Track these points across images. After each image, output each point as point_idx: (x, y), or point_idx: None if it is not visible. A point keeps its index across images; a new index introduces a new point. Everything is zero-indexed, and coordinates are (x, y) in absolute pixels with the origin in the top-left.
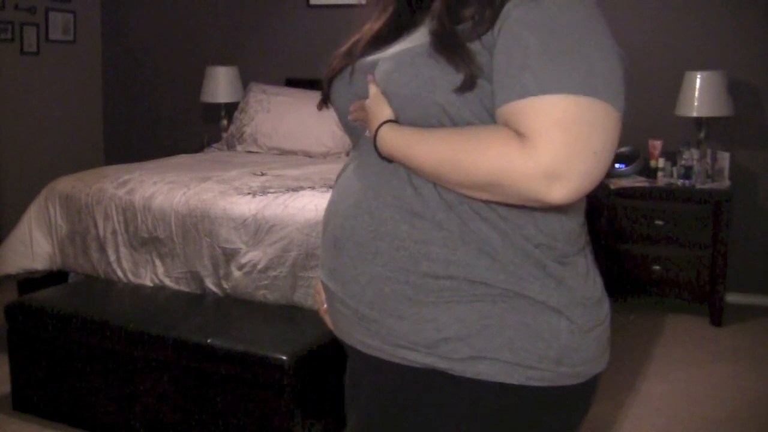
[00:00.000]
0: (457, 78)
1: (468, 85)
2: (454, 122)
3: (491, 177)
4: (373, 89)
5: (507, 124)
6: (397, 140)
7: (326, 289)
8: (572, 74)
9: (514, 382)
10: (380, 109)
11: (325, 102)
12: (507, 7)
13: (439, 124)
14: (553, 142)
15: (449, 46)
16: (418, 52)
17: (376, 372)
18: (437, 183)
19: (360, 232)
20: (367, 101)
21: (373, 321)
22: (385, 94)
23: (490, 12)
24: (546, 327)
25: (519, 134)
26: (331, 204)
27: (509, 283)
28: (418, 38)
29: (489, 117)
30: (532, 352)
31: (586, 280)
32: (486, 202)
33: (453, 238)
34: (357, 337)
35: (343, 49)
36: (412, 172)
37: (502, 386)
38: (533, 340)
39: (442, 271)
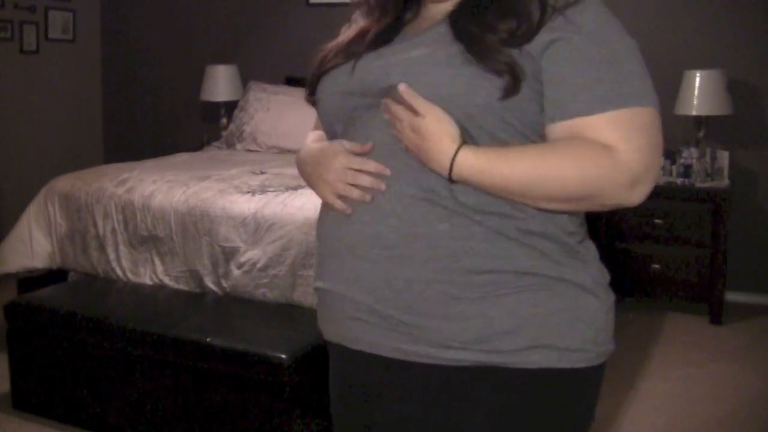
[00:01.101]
0: (499, 82)
1: (512, 90)
2: (492, 124)
3: (586, 189)
4: (427, 106)
5: (581, 135)
6: (481, 163)
7: (339, 299)
8: (638, 85)
9: (565, 366)
10: (446, 129)
11: (312, 95)
12: (555, 21)
13: (479, 126)
14: (638, 151)
15: (488, 52)
16: (453, 54)
17: (409, 378)
18: (517, 200)
19: (387, 236)
20: (419, 120)
21: (414, 326)
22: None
23: (526, 28)
24: (585, 309)
25: (600, 144)
26: (334, 212)
27: (550, 270)
28: (433, 40)
29: (531, 117)
30: (577, 335)
31: (599, 259)
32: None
33: (492, 232)
34: (390, 345)
35: (342, 44)
36: (487, 191)
37: (551, 372)
38: (577, 322)
39: (485, 265)
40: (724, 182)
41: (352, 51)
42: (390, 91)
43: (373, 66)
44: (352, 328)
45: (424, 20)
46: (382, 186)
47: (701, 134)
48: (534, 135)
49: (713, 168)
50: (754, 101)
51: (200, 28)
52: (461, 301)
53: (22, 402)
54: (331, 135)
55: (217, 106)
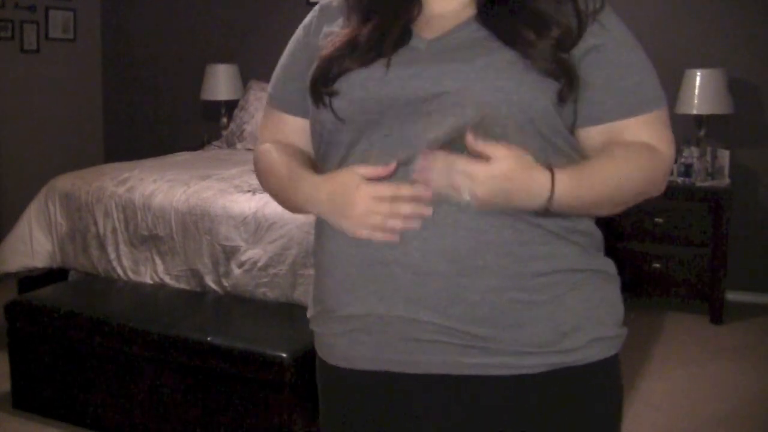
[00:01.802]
0: (556, 86)
1: (567, 94)
2: (548, 129)
3: (646, 188)
4: (497, 147)
5: (620, 137)
6: (575, 184)
7: (392, 322)
8: (659, 86)
9: (611, 353)
10: (527, 163)
11: (330, 95)
12: (592, 26)
13: (538, 132)
14: (670, 148)
15: (546, 56)
16: (511, 60)
17: (484, 392)
18: (596, 210)
19: (458, 249)
20: (497, 167)
21: (490, 338)
22: (484, 102)
23: (571, 33)
24: (614, 295)
25: (645, 144)
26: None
27: (589, 264)
28: (476, 44)
29: (569, 120)
30: (614, 321)
31: None
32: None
33: (547, 233)
34: (465, 362)
35: (358, 44)
36: (573, 211)
37: (604, 361)
38: (612, 309)
39: (548, 267)
40: (725, 181)
41: (374, 53)
42: (441, 99)
43: (421, 73)
44: (413, 351)
45: (432, 19)
46: (429, 211)
47: (702, 133)
48: (571, 138)
49: (714, 167)
50: (754, 100)
51: (200, 28)
52: (532, 306)
53: (22, 402)
54: (333, 145)
55: (217, 105)
